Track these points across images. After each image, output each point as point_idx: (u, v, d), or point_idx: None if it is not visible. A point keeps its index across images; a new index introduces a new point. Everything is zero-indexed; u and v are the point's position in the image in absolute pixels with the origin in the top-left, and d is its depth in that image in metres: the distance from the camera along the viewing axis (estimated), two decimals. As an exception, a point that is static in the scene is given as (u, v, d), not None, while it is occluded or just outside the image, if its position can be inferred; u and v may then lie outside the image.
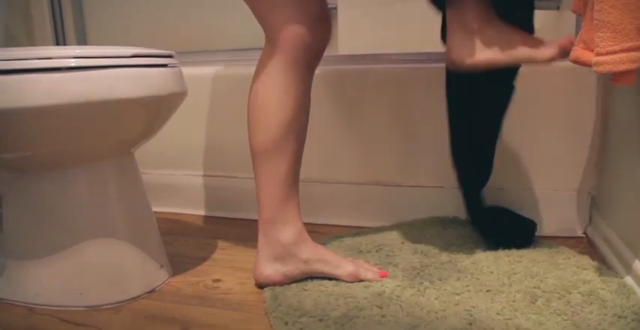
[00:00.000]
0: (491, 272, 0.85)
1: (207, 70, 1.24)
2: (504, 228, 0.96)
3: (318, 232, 1.12)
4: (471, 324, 0.70)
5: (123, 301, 0.83)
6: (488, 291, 0.79)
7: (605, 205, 0.99)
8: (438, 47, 1.22)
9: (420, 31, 1.26)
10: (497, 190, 1.10)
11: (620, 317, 0.69)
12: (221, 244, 1.09)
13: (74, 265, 0.80)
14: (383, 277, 0.84)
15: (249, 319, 0.77)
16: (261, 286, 0.85)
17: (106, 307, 0.81)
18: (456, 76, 0.91)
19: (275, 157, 0.82)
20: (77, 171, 0.80)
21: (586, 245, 1.01)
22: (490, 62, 0.81)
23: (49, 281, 0.81)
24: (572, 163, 1.06)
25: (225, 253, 1.04)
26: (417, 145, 1.13)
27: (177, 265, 0.97)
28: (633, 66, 0.66)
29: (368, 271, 0.84)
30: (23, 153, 0.76)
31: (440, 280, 0.83)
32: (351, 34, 1.25)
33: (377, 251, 0.96)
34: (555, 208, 1.07)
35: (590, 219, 1.07)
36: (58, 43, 1.50)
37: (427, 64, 1.11)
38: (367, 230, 1.10)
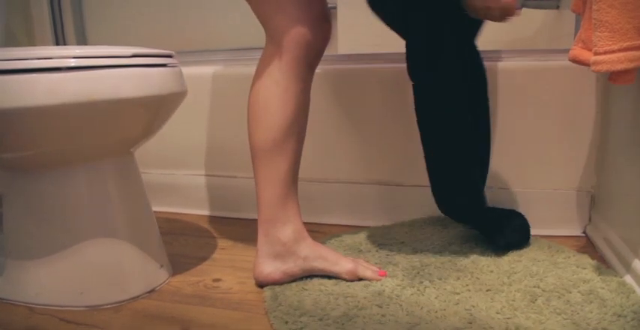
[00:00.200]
0: (491, 271, 0.85)
1: (207, 70, 1.24)
2: (500, 230, 0.95)
3: (318, 232, 1.12)
4: (470, 323, 0.70)
5: (123, 301, 0.83)
6: (488, 290, 0.79)
7: (605, 204, 0.99)
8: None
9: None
10: (497, 189, 1.10)
11: (619, 316, 0.69)
12: (221, 243, 1.09)
13: (74, 265, 0.80)
14: (382, 276, 0.84)
15: (249, 318, 0.77)
16: (261, 284, 0.85)
17: (106, 306, 0.81)
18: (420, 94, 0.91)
19: (275, 157, 0.83)
20: (77, 171, 0.80)
21: (586, 244, 1.01)
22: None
23: (49, 281, 0.81)
24: (572, 162, 1.06)
25: (225, 252, 1.04)
26: (417, 144, 1.13)
27: (177, 264, 0.97)
28: (631, 65, 0.66)
29: (367, 270, 0.84)
30: (23, 153, 0.76)
31: (440, 279, 0.83)
32: (350, 34, 1.25)
33: (377, 251, 0.96)
34: (555, 207, 1.07)
35: (590, 218, 1.07)
36: (57, 43, 1.50)
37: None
38: (367, 230, 1.10)
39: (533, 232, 0.97)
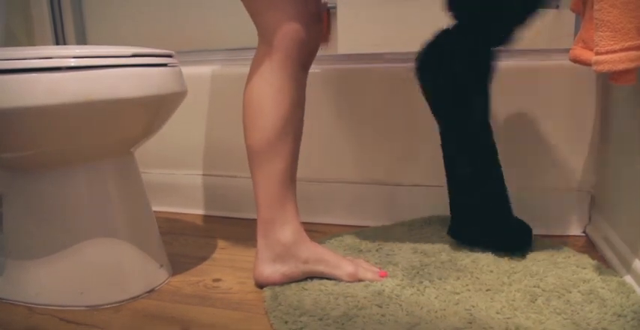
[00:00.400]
0: (491, 271, 0.85)
1: (207, 70, 1.24)
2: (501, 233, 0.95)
3: (318, 232, 1.12)
4: (470, 323, 0.70)
5: (123, 301, 0.83)
6: (488, 290, 0.79)
7: (605, 204, 0.99)
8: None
9: (420, 31, 1.26)
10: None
11: (619, 316, 0.69)
12: (221, 243, 1.09)
13: (74, 265, 0.80)
14: (382, 277, 0.84)
15: (249, 318, 0.77)
16: (260, 286, 0.85)
17: (106, 306, 0.81)
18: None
19: (271, 157, 0.82)
20: (77, 170, 0.80)
21: (586, 244, 1.01)
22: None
23: (49, 281, 0.81)
24: (572, 162, 1.06)
25: (225, 252, 1.04)
26: (417, 144, 1.13)
27: (177, 264, 0.97)
28: (632, 65, 0.66)
29: (367, 271, 0.84)
30: (23, 152, 0.76)
31: (440, 279, 0.83)
32: (350, 34, 1.25)
33: (377, 250, 0.96)
34: (555, 206, 1.07)
35: (590, 218, 1.07)
36: (57, 43, 1.50)
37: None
38: (367, 230, 1.10)
39: (533, 232, 0.97)
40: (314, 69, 1.15)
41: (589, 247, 0.99)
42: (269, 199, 0.83)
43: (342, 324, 0.71)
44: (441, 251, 0.94)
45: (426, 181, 1.14)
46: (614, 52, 0.66)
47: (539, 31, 1.22)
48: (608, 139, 0.99)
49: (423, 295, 0.78)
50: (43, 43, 1.49)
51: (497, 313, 0.72)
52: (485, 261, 0.89)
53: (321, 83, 1.15)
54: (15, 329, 0.76)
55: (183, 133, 1.28)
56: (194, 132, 1.28)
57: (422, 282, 0.82)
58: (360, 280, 0.83)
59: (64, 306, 0.81)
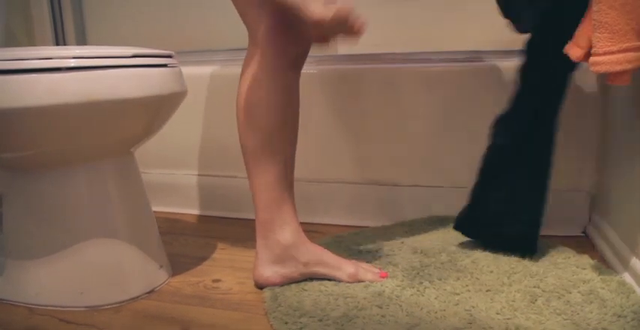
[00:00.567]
0: (491, 272, 0.85)
1: (207, 70, 1.24)
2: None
3: (318, 232, 1.12)
4: (470, 324, 0.70)
5: (123, 301, 0.83)
6: (487, 290, 0.79)
7: (605, 205, 0.99)
8: (438, 47, 1.22)
9: (420, 31, 1.26)
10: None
11: (619, 316, 0.69)
12: (221, 243, 1.09)
13: (74, 265, 0.80)
14: (383, 277, 0.84)
15: (249, 319, 0.77)
16: (260, 287, 0.85)
17: (106, 307, 0.81)
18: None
19: (266, 160, 0.82)
20: (77, 170, 0.80)
21: (585, 244, 1.01)
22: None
23: (49, 281, 0.81)
24: (572, 163, 1.06)
25: (225, 252, 1.04)
26: (417, 144, 1.13)
27: (177, 265, 0.97)
28: (629, 66, 0.67)
29: (368, 272, 0.84)
30: (23, 153, 0.76)
31: (439, 279, 0.83)
32: (350, 34, 1.25)
33: (377, 251, 0.96)
34: (555, 207, 1.06)
35: (590, 218, 1.07)
36: (57, 43, 1.50)
37: (427, 63, 1.11)
38: (366, 230, 1.10)
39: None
40: (314, 69, 1.15)
41: (589, 247, 0.99)
42: (266, 201, 0.83)
43: (342, 325, 0.71)
44: (441, 252, 0.94)
45: (425, 181, 1.14)
46: (612, 53, 0.67)
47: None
48: (608, 139, 0.99)
49: (422, 295, 0.78)
50: (43, 43, 1.49)
51: (498, 313, 0.72)
52: (485, 261, 0.89)
53: (320, 83, 1.15)
54: (15, 329, 0.76)
55: (183, 134, 1.28)
56: (194, 132, 1.28)
57: (422, 283, 0.82)
58: (360, 281, 0.83)
59: (63, 306, 0.81)
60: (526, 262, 0.88)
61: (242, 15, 0.82)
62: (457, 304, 0.75)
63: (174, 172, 1.32)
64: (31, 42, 1.49)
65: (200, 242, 1.10)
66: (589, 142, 1.04)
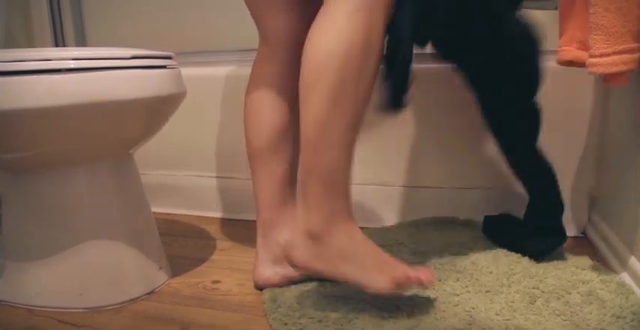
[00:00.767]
0: (491, 273, 0.85)
1: (206, 71, 1.24)
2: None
3: (318, 233, 1.12)
4: (470, 324, 0.70)
5: (122, 303, 0.83)
6: (487, 291, 0.79)
7: (604, 205, 1.00)
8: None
9: (419, 32, 1.26)
10: (497, 191, 1.10)
11: (619, 317, 0.69)
12: (220, 245, 1.09)
13: (73, 266, 0.80)
14: None
15: (249, 320, 0.77)
16: (260, 288, 0.85)
17: (105, 308, 0.81)
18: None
19: (271, 160, 0.82)
20: (77, 171, 0.80)
21: (585, 245, 1.01)
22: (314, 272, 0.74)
23: (49, 282, 0.81)
24: (571, 163, 1.06)
25: (225, 254, 1.04)
26: (417, 145, 1.13)
27: (177, 266, 0.97)
28: (625, 68, 0.67)
29: None
30: (23, 153, 0.76)
31: (439, 280, 0.83)
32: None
33: (376, 252, 0.96)
34: (554, 208, 1.07)
35: (589, 219, 1.07)
36: (57, 45, 1.50)
37: (427, 64, 1.11)
38: (366, 231, 1.10)
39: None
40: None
41: (588, 248, 0.99)
42: (269, 202, 0.83)
43: (342, 326, 0.71)
44: (441, 253, 0.94)
45: (425, 182, 1.14)
46: (608, 55, 0.68)
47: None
48: (606, 140, 0.99)
49: (422, 296, 0.78)
50: (43, 44, 1.49)
51: (497, 314, 0.72)
52: (484, 262, 0.89)
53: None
54: (14, 331, 0.76)
55: (182, 135, 1.28)
56: (193, 133, 1.28)
57: (421, 283, 0.82)
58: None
59: (63, 307, 0.81)
60: (525, 263, 0.88)
61: (255, 15, 0.82)
62: (457, 305, 0.75)
63: (173, 173, 1.32)
64: (31, 43, 1.49)
65: (200, 243, 1.10)
66: (588, 142, 1.04)
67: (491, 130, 0.90)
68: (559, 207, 0.90)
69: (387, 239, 1.03)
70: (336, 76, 0.67)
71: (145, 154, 1.30)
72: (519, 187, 1.09)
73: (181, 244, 1.10)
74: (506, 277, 0.83)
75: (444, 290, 0.79)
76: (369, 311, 0.74)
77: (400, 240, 1.02)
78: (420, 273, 0.70)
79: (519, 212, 1.01)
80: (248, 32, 1.26)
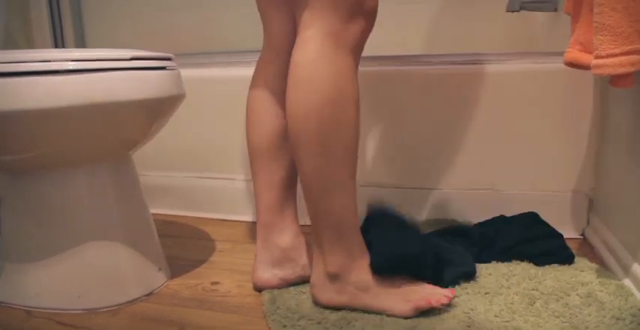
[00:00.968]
0: (490, 274, 0.85)
1: (206, 73, 1.24)
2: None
3: (317, 235, 1.12)
4: (469, 326, 0.70)
5: (121, 304, 0.82)
6: (486, 293, 0.79)
7: (603, 207, 1.00)
8: (437, 49, 1.22)
9: (419, 32, 1.26)
10: (496, 192, 1.10)
11: (618, 319, 0.69)
12: (219, 246, 1.09)
13: (72, 268, 0.80)
14: None
15: (248, 321, 0.77)
16: (259, 289, 0.85)
17: (104, 309, 0.81)
18: None
19: (272, 162, 0.82)
20: (76, 172, 0.80)
21: (584, 247, 1.01)
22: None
23: (48, 283, 0.81)
24: (570, 165, 1.06)
25: (224, 255, 1.04)
26: (416, 147, 1.13)
27: (176, 267, 0.97)
28: (632, 69, 0.66)
29: None
30: (22, 155, 0.76)
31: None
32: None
33: (375, 253, 0.96)
34: (553, 209, 1.07)
35: (588, 221, 1.07)
36: (56, 46, 1.50)
37: (426, 66, 1.11)
38: (366, 232, 1.10)
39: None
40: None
41: (587, 250, 0.99)
42: (269, 203, 0.83)
43: (341, 327, 0.71)
44: (440, 254, 0.94)
45: (424, 183, 1.14)
46: (615, 55, 0.66)
47: (538, 33, 1.23)
48: (606, 141, 0.99)
49: (421, 298, 0.78)
50: (42, 46, 1.49)
51: (496, 316, 0.72)
52: (483, 264, 0.89)
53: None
54: (13, 332, 0.76)
55: (181, 136, 1.28)
56: (193, 134, 1.28)
57: (420, 285, 0.82)
58: None
59: (61, 309, 0.81)
60: (524, 265, 0.88)
61: (262, 16, 0.82)
62: (456, 307, 0.75)
63: (172, 174, 1.32)
64: (30, 45, 1.49)
65: (199, 245, 1.10)
66: (588, 144, 1.04)
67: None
68: None
69: (386, 241, 1.03)
70: (317, 131, 0.69)
71: (144, 155, 1.30)
72: (518, 188, 1.09)
73: (180, 246, 1.10)
74: (505, 279, 0.83)
75: (443, 292, 0.79)
76: (368, 312, 0.74)
77: (399, 241, 1.02)
78: (440, 297, 0.73)
79: (518, 212, 1.01)
80: (247, 34, 1.26)
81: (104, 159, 0.81)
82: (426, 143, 1.12)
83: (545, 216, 0.98)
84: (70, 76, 0.70)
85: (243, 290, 0.87)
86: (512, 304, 0.75)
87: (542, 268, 0.87)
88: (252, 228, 1.21)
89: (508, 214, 1.02)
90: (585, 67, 0.78)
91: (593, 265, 0.87)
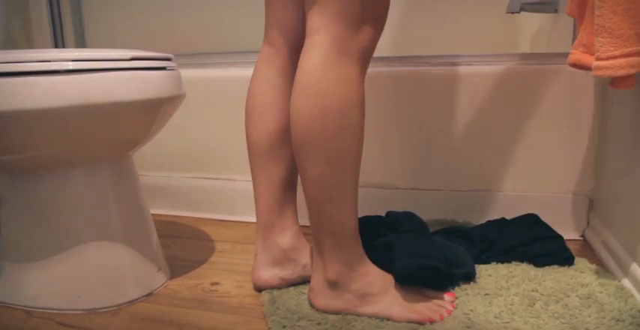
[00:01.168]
0: (489, 275, 0.85)
1: (206, 73, 1.24)
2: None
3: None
4: (469, 327, 0.69)
5: (120, 304, 0.82)
6: (486, 294, 0.79)
7: (603, 208, 1.00)
8: (437, 50, 1.22)
9: (419, 33, 1.26)
10: (496, 193, 1.10)
11: (618, 320, 0.69)
12: (219, 246, 1.09)
13: (72, 268, 0.80)
14: None
15: (247, 322, 0.77)
16: (259, 289, 0.85)
17: (103, 310, 0.81)
18: None
19: (271, 162, 0.82)
20: (76, 173, 0.80)
21: (584, 248, 1.01)
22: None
23: (47, 284, 0.81)
24: (570, 166, 1.06)
25: (223, 255, 1.04)
26: (416, 148, 1.13)
27: (175, 267, 0.97)
28: (632, 71, 0.66)
29: None
30: (22, 155, 0.76)
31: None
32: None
33: (375, 254, 0.96)
34: (553, 210, 1.07)
35: (588, 222, 1.07)
36: (56, 46, 1.50)
37: (426, 66, 1.11)
38: (365, 233, 1.10)
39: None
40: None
41: (587, 251, 0.99)
42: (268, 204, 0.83)
43: (340, 328, 0.71)
44: (440, 255, 0.94)
45: (424, 184, 1.14)
46: (615, 57, 0.66)
47: (538, 35, 1.23)
48: (606, 142, 0.99)
49: (421, 299, 0.78)
50: (42, 45, 1.49)
51: (496, 317, 0.72)
52: (483, 265, 0.89)
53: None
54: (12, 333, 0.76)
55: (181, 136, 1.28)
56: (192, 135, 1.28)
57: (420, 286, 0.82)
58: None
59: (61, 309, 0.81)
60: (524, 266, 0.88)
61: (267, 12, 0.82)
62: (455, 308, 0.75)
63: (172, 174, 1.32)
64: (30, 44, 1.49)
65: (198, 245, 1.10)
66: (588, 145, 1.04)
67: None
68: None
69: (386, 241, 1.03)
70: (321, 139, 0.68)
71: (143, 155, 1.30)
72: (518, 188, 1.09)
73: (180, 246, 1.10)
74: (505, 280, 0.83)
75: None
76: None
77: (399, 242, 1.02)
78: (443, 311, 0.73)
79: (517, 213, 1.01)
80: (247, 34, 1.26)
81: (104, 159, 0.81)
82: (426, 144, 1.12)
83: (545, 217, 0.98)
84: (69, 76, 0.70)
85: (242, 291, 0.87)
86: (512, 305, 0.75)
87: (541, 269, 0.87)
88: (251, 228, 1.21)
89: (508, 215, 1.01)
90: (588, 69, 0.78)
91: (593, 267, 0.87)
